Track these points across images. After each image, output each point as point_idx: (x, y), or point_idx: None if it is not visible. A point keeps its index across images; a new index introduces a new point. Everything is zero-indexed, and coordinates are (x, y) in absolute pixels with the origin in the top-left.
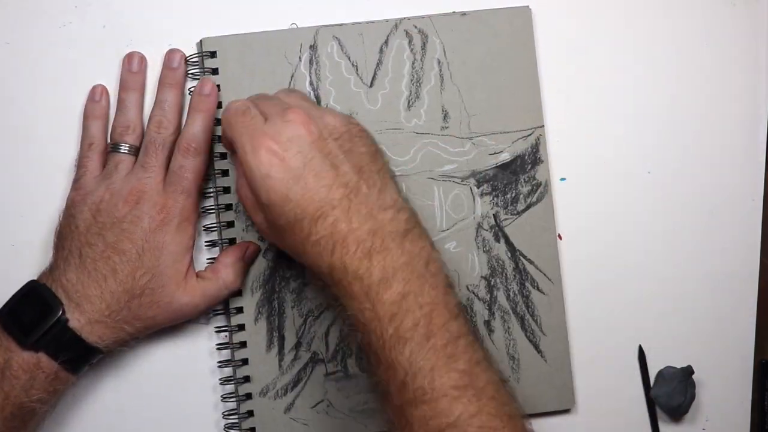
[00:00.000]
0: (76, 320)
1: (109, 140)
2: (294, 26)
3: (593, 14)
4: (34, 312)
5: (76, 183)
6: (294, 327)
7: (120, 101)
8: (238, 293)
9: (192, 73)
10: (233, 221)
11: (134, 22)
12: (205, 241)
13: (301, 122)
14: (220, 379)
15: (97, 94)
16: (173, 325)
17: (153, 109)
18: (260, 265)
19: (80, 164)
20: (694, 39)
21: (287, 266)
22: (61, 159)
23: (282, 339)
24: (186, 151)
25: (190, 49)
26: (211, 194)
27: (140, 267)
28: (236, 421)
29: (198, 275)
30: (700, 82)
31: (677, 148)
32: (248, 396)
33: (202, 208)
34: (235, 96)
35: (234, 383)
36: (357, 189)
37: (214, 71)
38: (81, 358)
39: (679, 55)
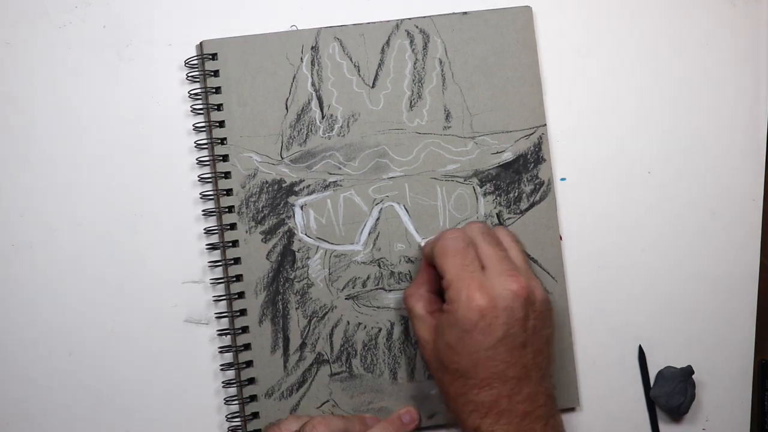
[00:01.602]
0: None
1: None
2: (294, 28)
3: (594, 14)
4: None
5: None
6: (298, 328)
7: None
8: (241, 295)
9: (192, 76)
10: (235, 223)
11: (134, 23)
12: (207, 244)
13: (521, 296)
14: (223, 382)
15: None
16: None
17: None
18: (264, 267)
19: None
20: (695, 39)
21: (291, 267)
22: (61, 159)
23: (287, 340)
24: None
25: (190, 51)
26: (213, 197)
27: None
28: (240, 423)
29: None
30: (701, 82)
31: (677, 148)
32: (253, 398)
33: (203, 210)
34: (238, 98)
35: (238, 385)
36: (529, 372)
37: (215, 73)
38: None
39: (680, 55)
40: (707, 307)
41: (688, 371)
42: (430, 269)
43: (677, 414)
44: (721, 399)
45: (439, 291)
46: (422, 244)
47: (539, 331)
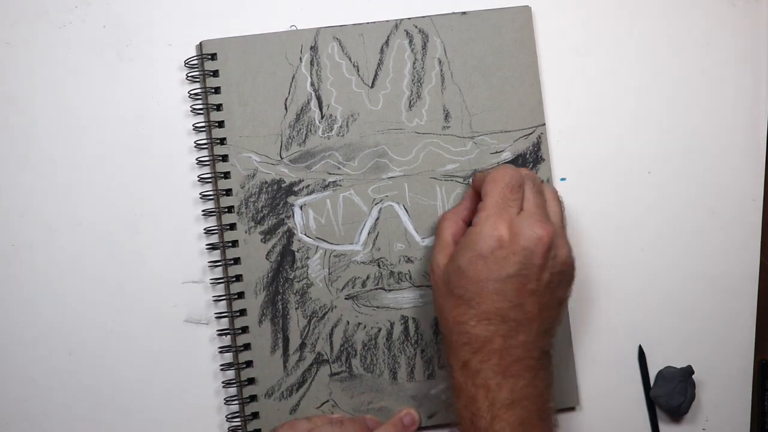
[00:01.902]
0: None
1: None
2: (293, 28)
3: (593, 14)
4: None
5: None
6: (298, 328)
7: None
8: (241, 295)
9: (192, 76)
10: (235, 223)
11: (134, 23)
12: (206, 244)
13: (543, 243)
14: (223, 382)
15: None
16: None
17: None
18: (263, 267)
19: None
20: (695, 39)
21: (290, 267)
22: (61, 159)
23: (286, 340)
24: None
25: (190, 51)
26: (212, 197)
27: None
28: (240, 423)
29: None
30: (700, 82)
31: (677, 148)
32: (253, 398)
33: (203, 210)
34: (237, 98)
35: (237, 386)
36: (530, 321)
37: (215, 73)
38: None
39: (680, 55)
40: (707, 307)
41: (688, 371)
42: (475, 199)
43: (677, 414)
44: (721, 399)
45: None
46: (422, 243)
47: (553, 288)
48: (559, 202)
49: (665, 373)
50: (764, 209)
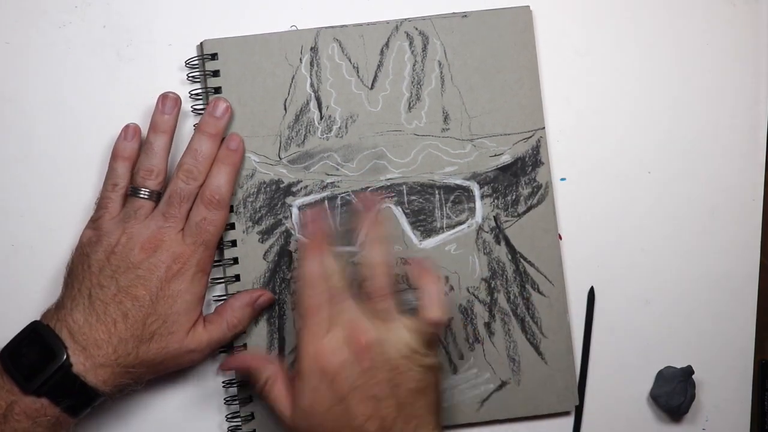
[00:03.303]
0: (80, 364)
1: (130, 182)
2: (294, 28)
3: (593, 14)
4: (37, 356)
5: (94, 222)
6: (294, 329)
7: (147, 143)
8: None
9: (192, 76)
10: (234, 223)
11: (134, 22)
12: None
13: (360, 351)
14: (223, 382)
15: (129, 134)
16: (177, 370)
17: (184, 155)
18: (260, 267)
19: (101, 204)
20: (694, 39)
21: (287, 268)
22: (61, 159)
23: (282, 341)
24: (209, 204)
25: (190, 51)
26: None
27: (152, 314)
28: (239, 423)
29: (206, 321)
30: (701, 82)
31: (677, 148)
32: (249, 398)
33: None
34: (237, 98)
35: (236, 386)
36: (391, 426)
37: (215, 73)
38: (83, 403)
39: (680, 56)
40: (707, 307)
41: (688, 371)
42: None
43: (677, 414)
44: (721, 399)
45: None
46: (420, 245)
47: (398, 385)
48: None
49: (665, 373)
50: (764, 209)
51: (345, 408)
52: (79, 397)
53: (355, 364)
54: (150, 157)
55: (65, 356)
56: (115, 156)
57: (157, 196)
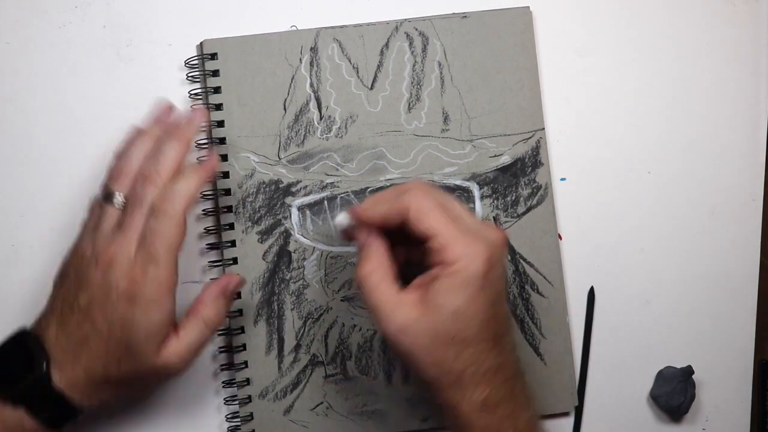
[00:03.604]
0: (58, 378)
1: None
2: (294, 28)
3: (593, 14)
4: (18, 364)
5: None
6: (293, 329)
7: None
8: (237, 295)
9: (192, 76)
10: (233, 223)
11: (134, 22)
12: (207, 244)
13: (506, 244)
14: (223, 382)
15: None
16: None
17: (147, 159)
18: (260, 267)
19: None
20: (694, 39)
21: (287, 268)
22: (60, 159)
23: (281, 341)
24: (156, 210)
25: (190, 51)
26: (212, 197)
27: (111, 340)
28: (239, 424)
29: (178, 329)
30: (700, 82)
31: (677, 148)
32: (248, 399)
33: (203, 210)
34: (237, 98)
35: (236, 386)
36: (509, 328)
37: (215, 73)
38: (63, 416)
39: (680, 56)
40: (707, 307)
41: (688, 371)
42: (380, 239)
43: (677, 414)
44: (721, 399)
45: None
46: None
47: (503, 293)
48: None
49: (665, 373)
50: (764, 209)
51: (495, 312)
52: (58, 410)
53: (501, 259)
54: (129, 159)
55: (44, 367)
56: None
57: None
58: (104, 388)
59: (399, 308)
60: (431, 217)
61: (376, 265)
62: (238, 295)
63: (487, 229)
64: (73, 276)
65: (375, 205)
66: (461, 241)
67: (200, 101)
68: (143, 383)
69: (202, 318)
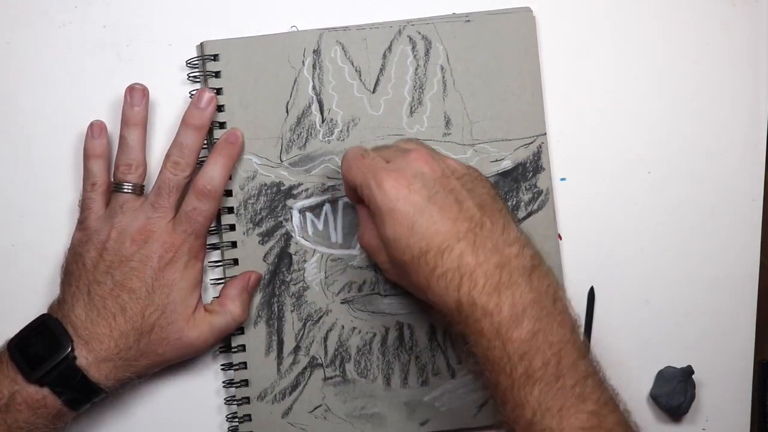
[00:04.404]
0: (83, 358)
1: (112, 178)
2: (294, 29)
3: (593, 15)
4: (44, 346)
5: (82, 224)
6: (293, 331)
7: (121, 138)
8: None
9: (192, 76)
10: (234, 225)
11: (134, 23)
12: (208, 245)
13: (424, 160)
14: (224, 382)
15: (95, 132)
16: (182, 361)
17: (171, 147)
18: (260, 269)
19: (84, 205)
20: (695, 39)
21: (287, 270)
22: (60, 159)
23: (281, 343)
24: (200, 194)
25: (190, 51)
26: None
27: (150, 305)
28: (237, 424)
29: (206, 309)
30: (701, 82)
31: (677, 148)
32: (246, 400)
33: None
34: (239, 100)
35: (235, 387)
36: (481, 223)
37: (217, 74)
38: (84, 396)
39: (680, 56)
40: (707, 307)
41: (688, 371)
42: (361, 204)
43: (677, 414)
44: (721, 399)
45: None
46: None
47: (473, 190)
48: (412, 140)
49: (665, 373)
50: (764, 209)
51: (428, 218)
52: (80, 391)
53: (426, 175)
54: (126, 152)
55: (70, 348)
56: (87, 156)
57: (140, 189)
58: (130, 363)
59: (379, 254)
60: (349, 169)
61: (364, 227)
62: None
63: (404, 157)
64: (98, 258)
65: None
66: (370, 176)
67: None
68: (166, 357)
69: (230, 311)
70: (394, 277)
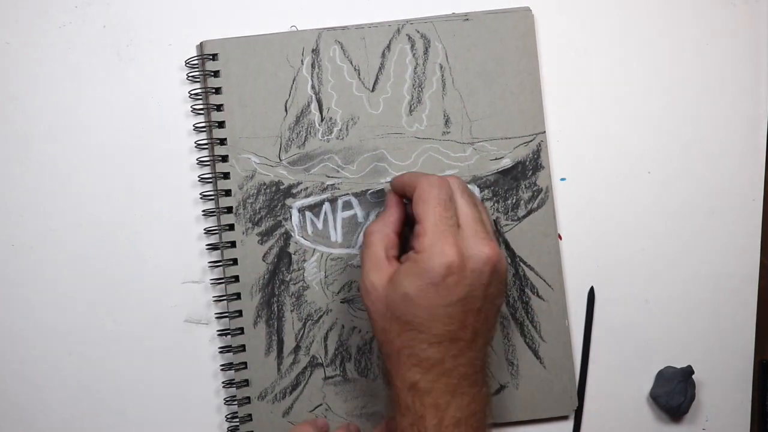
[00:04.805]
0: None
1: None
2: (294, 29)
3: (593, 14)
4: None
5: None
6: (293, 331)
7: None
8: (237, 296)
9: (192, 76)
10: (233, 224)
11: (134, 23)
12: (207, 245)
13: (491, 263)
14: (223, 383)
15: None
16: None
17: None
18: (260, 269)
19: None
20: (694, 39)
21: (287, 270)
22: (61, 159)
23: (281, 343)
24: None
25: (190, 51)
26: (212, 197)
27: None
28: (238, 424)
29: None
30: (701, 82)
31: (677, 148)
32: (247, 400)
33: (203, 211)
34: (238, 99)
35: (235, 387)
36: (476, 338)
37: (216, 74)
38: None
39: (680, 56)
40: (707, 307)
41: (688, 371)
42: (400, 208)
43: (677, 414)
44: (721, 399)
45: (402, 234)
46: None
47: (494, 300)
48: (485, 207)
49: (665, 373)
50: (764, 209)
51: (447, 313)
52: None
53: (481, 278)
54: None
55: None
56: None
57: None
58: None
59: (376, 271)
60: (427, 204)
61: (381, 227)
62: (238, 296)
63: (478, 243)
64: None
65: (404, 175)
66: (438, 236)
67: (200, 101)
68: None
69: None
70: (373, 302)
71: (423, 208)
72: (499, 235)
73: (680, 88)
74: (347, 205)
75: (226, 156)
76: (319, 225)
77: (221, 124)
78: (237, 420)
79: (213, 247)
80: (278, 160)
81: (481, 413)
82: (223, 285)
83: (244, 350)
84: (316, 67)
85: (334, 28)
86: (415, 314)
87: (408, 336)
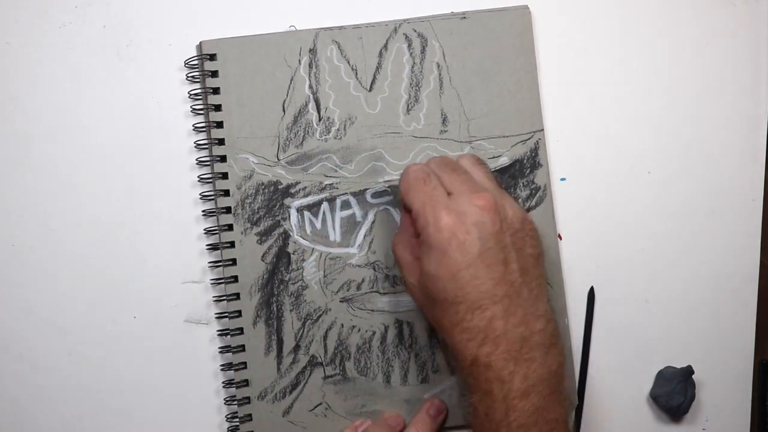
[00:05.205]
0: None
1: None
2: (293, 29)
3: (592, 14)
4: None
5: None
6: (293, 330)
7: None
8: (236, 296)
9: (191, 76)
10: (231, 224)
11: (134, 23)
12: (206, 245)
13: (488, 210)
14: (223, 382)
15: None
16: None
17: None
18: (259, 269)
19: None
20: (694, 39)
21: (286, 269)
22: (61, 159)
23: (280, 342)
24: None
25: (190, 51)
26: (212, 197)
27: None
28: (238, 424)
29: None
30: (701, 82)
31: (677, 148)
32: (247, 399)
33: (202, 211)
34: (236, 99)
35: (235, 386)
36: (519, 291)
37: (214, 74)
38: None
39: (679, 56)
40: (707, 307)
41: (688, 371)
42: (408, 212)
43: (677, 414)
44: (721, 399)
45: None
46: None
47: (521, 250)
48: (481, 164)
49: (665, 373)
50: (764, 209)
51: (472, 274)
52: None
53: (485, 226)
54: None
55: None
56: None
57: None
58: None
59: (410, 274)
60: (410, 188)
61: (401, 236)
62: (237, 296)
63: (469, 198)
64: None
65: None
66: (428, 210)
67: (200, 102)
68: None
69: None
70: (418, 299)
71: (409, 197)
72: None
73: (680, 88)
74: (345, 205)
75: (225, 156)
76: (318, 224)
77: (219, 125)
78: (237, 420)
79: (213, 248)
80: (276, 160)
81: (551, 379)
82: (223, 285)
83: (243, 350)
84: (314, 66)
85: (331, 28)
86: (445, 289)
87: (451, 313)
